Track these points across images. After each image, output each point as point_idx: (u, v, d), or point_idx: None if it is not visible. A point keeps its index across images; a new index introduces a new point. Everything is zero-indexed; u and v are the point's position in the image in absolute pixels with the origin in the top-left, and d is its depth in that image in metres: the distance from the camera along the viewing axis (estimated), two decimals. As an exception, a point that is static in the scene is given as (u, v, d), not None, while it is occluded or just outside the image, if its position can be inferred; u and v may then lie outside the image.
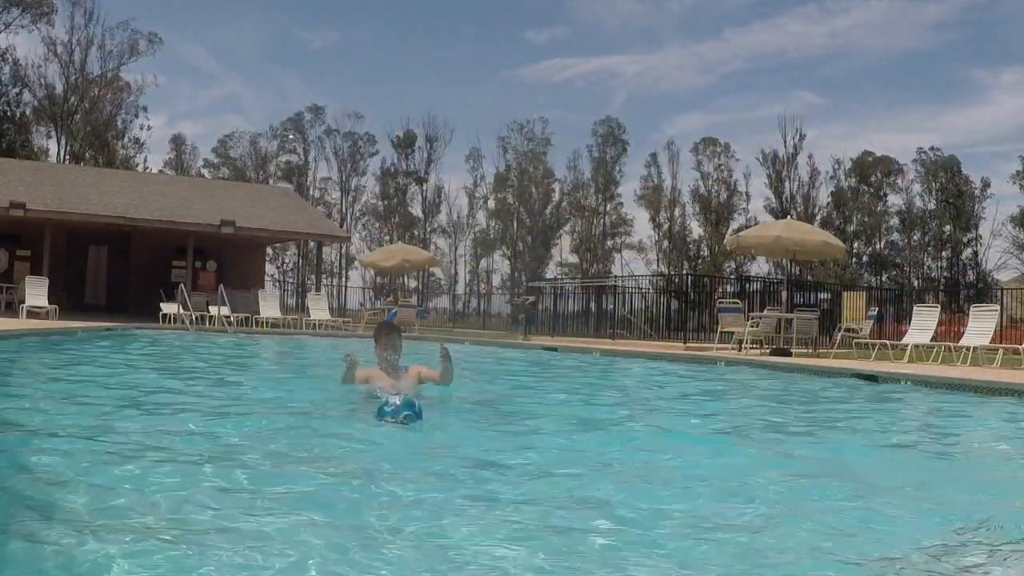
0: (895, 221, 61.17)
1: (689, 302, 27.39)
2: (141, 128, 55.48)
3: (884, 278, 59.36)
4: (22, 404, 6.13)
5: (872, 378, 10.76)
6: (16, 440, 4.50)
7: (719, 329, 18.07)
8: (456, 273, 63.43)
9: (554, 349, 18.01)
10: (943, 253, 60.73)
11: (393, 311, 24.87)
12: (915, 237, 60.92)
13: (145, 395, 7.19)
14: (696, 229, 61.89)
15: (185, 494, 3.37)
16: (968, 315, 16.53)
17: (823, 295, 27.32)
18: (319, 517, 3.12)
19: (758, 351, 17.09)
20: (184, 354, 13.25)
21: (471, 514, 3.30)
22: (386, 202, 62.13)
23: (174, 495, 3.35)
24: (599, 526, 3.23)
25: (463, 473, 4.18)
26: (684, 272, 52.41)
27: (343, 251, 59.38)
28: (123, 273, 28.83)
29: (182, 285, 22.97)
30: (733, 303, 19.62)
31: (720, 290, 29.15)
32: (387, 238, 59.22)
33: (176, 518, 3.04)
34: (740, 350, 17.16)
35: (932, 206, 60.31)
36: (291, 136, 62.24)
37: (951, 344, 15.55)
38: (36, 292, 21.04)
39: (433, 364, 6.75)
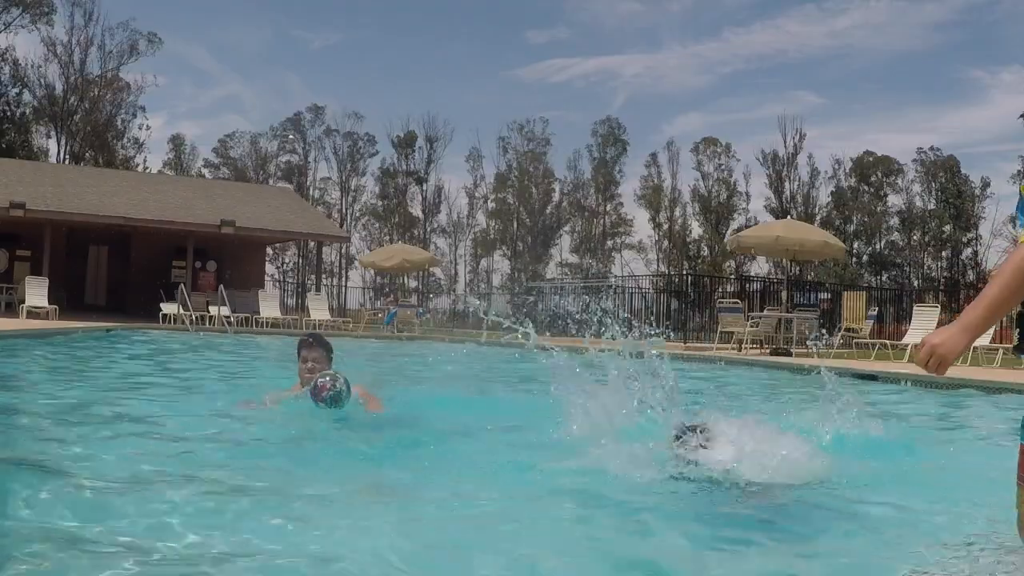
0: (895, 221, 61.19)
1: (689, 302, 27.40)
2: (140, 128, 55.58)
3: (884, 278, 59.37)
4: None
5: (872, 378, 10.76)
6: None
7: (719, 329, 18.08)
8: (456, 273, 63.49)
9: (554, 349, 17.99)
10: (943, 253, 60.74)
11: (393, 311, 24.92)
12: (915, 237, 60.94)
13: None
14: (696, 229, 61.95)
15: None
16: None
17: (823, 295, 27.33)
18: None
19: (758, 351, 17.10)
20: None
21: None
22: (386, 202, 62.12)
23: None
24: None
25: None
26: (684, 272, 52.39)
27: (343, 251, 59.37)
28: (123, 273, 28.84)
29: (182, 285, 22.99)
30: (733, 303, 19.64)
31: (720, 290, 29.16)
32: (387, 238, 59.21)
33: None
34: (740, 350, 17.17)
35: (932, 206, 60.35)
36: (291, 136, 62.26)
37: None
38: (36, 292, 21.06)
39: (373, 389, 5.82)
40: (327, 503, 3.37)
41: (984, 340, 14.55)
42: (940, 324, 17.49)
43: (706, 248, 60.61)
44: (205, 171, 60.52)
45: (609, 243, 62.68)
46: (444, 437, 5.09)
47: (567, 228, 63.01)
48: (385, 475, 4.05)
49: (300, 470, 4.12)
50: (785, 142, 59.06)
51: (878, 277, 59.31)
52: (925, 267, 61.78)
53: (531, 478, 3.89)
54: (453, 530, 3.06)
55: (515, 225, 62.23)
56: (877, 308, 20.93)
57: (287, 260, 60.78)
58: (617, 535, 3.13)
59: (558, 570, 2.69)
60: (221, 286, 23.46)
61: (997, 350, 14.39)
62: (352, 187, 62.62)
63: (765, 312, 18.64)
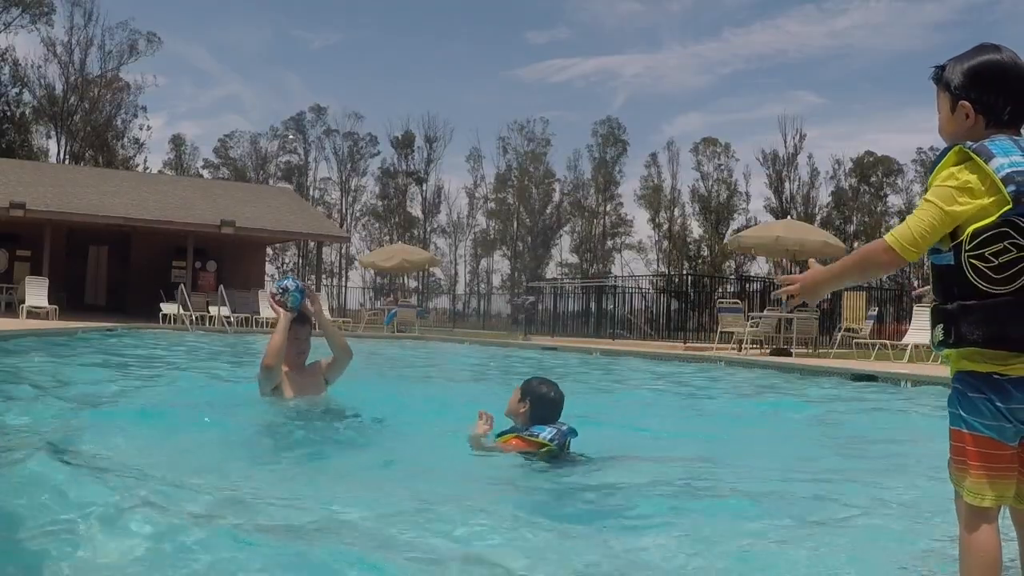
0: (895, 221, 61.15)
1: (689, 302, 27.40)
2: (141, 128, 55.58)
3: (884, 278, 59.35)
4: None
5: (871, 378, 10.76)
6: None
7: (719, 329, 18.07)
8: (456, 273, 63.47)
9: (554, 349, 18.01)
10: (943, 253, 60.75)
11: (393, 312, 24.91)
12: (915, 237, 60.89)
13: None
14: (696, 229, 61.92)
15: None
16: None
17: (823, 295, 27.30)
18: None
19: (758, 351, 17.10)
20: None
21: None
22: (386, 202, 62.11)
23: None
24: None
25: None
26: (684, 272, 52.37)
27: (343, 251, 59.36)
28: (123, 273, 28.83)
29: (182, 285, 23.00)
30: (733, 303, 19.63)
31: (720, 290, 29.15)
32: (387, 238, 59.18)
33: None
34: (740, 350, 17.16)
35: (932, 206, 60.31)
36: (290, 136, 62.22)
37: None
38: (36, 292, 21.05)
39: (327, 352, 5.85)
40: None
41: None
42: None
43: (706, 248, 60.58)
44: (205, 171, 60.52)
45: (609, 243, 62.67)
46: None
47: (567, 228, 63.02)
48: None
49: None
50: (785, 142, 59.06)
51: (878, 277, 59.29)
52: (925, 267, 61.70)
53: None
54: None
55: (515, 225, 62.21)
56: (877, 308, 20.93)
57: (287, 260, 60.77)
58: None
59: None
60: (221, 286, 23.46)
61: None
62: (352, 187, 62.63)
63: (765, 312, 18.62)
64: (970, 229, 2.12)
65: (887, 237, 2.18)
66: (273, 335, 5.54)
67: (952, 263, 2.18)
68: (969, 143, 2.16)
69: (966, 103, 2.21)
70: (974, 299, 2.14)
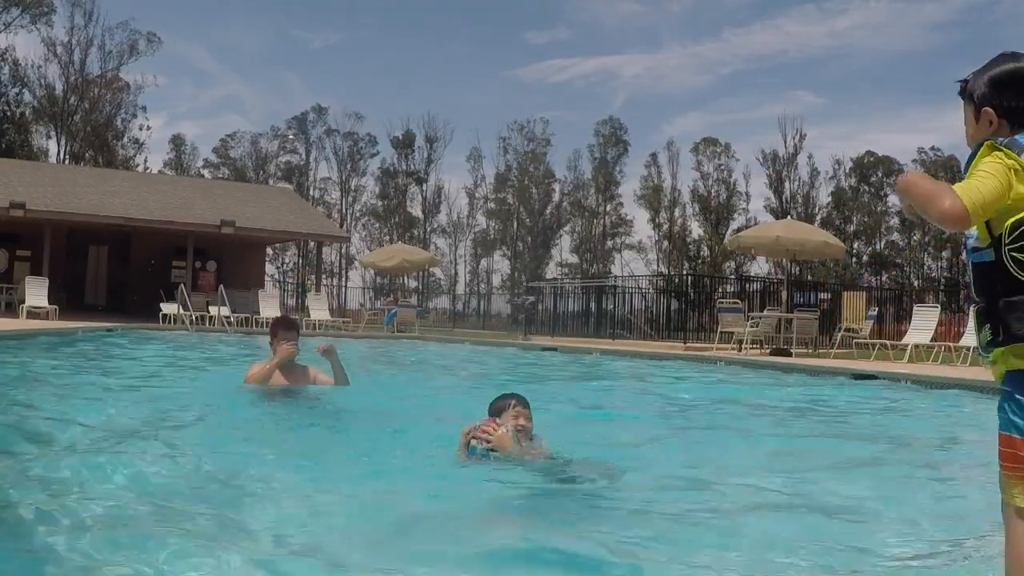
0: (895, 221, 61.16)
1: (689, 302, 27.40)
2: (141, 128, 55.58)
3: (884, 278, 59.33)
4: None
5: (871, 378, 10.76)
6: None
7: (719, 329, 18.07)
8: (456, 273, 63.47)
9: (554, 349, 18.00)
10: (943, 253, 60.74)
11: (393, 311, 24.90)
12: (915, 237, 60.92)
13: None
14: (696, 229, 61.91)
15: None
16: (968, 315, 16.53)
17: (823, 295, 27.31)
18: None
19: (758, 351, 17.10)
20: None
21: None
22: (386, 202, 62.10)
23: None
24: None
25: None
26: (684, 272, 52.35)
27: (343, 251, 59.36)
28: (123, 273, 28.82)
29: (182, 285, 22.98)
30: (733, 303, 19.62)
31: (720, 290, 29.14)
32: (387, 238, 59.18)
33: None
34: (740, 350, 17.16)
35: (932, 206, 60.21)
36: (291, 136, 62.19)
37: (951, 344, 15.56)
38: (36, 292, 21.04)
39: (328, 369, 6.65)
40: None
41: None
42: (940, 324, 17.57)
43: (706, 248, 60.57)
44: (205, 171, 60.51)
45: (609, 243, 62.67)
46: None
47: (567, 228, 63.01)
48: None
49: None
50: (785, 142, 59.06)
51: (878, 277, 59.25)
52: (925, 267, 61.74)
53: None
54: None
55: (515, 225, 62.21)
56: (877, 308, 20.92)
57: (287, 260, 60.77)
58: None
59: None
60: (221, 286, 23.45)
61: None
62: (352, 187, 62.62)
63: (765, 312, 18.62)
64: (1008, 223, 2.10)
65: (957, 187, 2.07)
66: (266, 367, 6.36)
67: (993, 259, 2.14)
68: (1000, 139, 2.18)
69: (989, 109, 2.25)
70: (1019, 294, 2.10)
